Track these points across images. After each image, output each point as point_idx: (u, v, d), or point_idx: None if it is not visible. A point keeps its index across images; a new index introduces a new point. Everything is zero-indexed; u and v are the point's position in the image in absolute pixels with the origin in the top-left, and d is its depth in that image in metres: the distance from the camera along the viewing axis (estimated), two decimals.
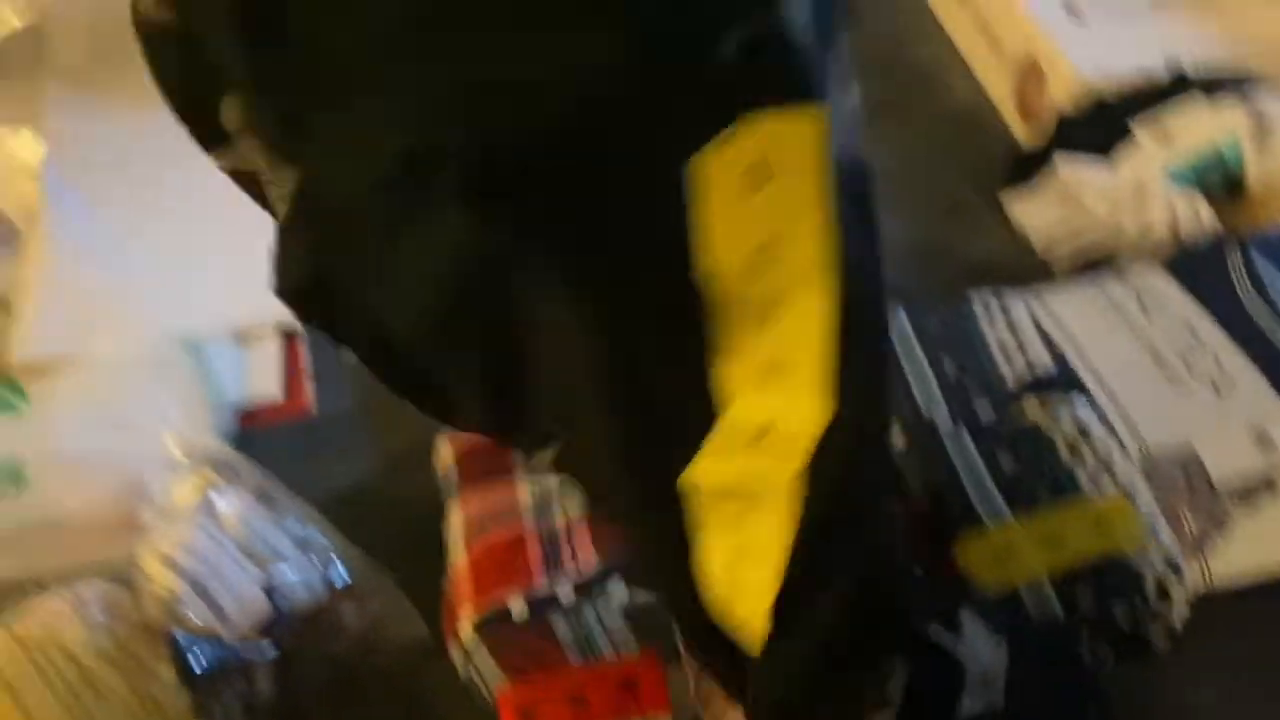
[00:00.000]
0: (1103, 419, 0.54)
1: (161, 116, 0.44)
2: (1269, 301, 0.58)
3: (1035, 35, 0.79)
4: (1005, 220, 0.76)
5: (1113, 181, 0.69)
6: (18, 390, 0.63)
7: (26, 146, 0.79)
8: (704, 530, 0.35)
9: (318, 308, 0.37)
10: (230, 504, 0.48)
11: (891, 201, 0.80)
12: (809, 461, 0.33)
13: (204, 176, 0.71)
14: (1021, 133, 0.83)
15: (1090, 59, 0.76)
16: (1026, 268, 0.73)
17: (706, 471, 0.34)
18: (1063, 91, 0.76)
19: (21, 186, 0.77)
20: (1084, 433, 0.53)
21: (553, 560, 0.50)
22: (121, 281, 0.70)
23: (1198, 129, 0.69)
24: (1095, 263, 0.71)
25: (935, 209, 0.79)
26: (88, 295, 0.68)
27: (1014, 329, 0.61)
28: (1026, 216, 0.74)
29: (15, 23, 0.88)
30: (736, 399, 0.33)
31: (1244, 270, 0.60)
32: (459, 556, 0.51)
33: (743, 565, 0.35)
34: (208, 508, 0.48)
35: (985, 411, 0.56)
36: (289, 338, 0.69)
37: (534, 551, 0.50)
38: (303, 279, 0.35)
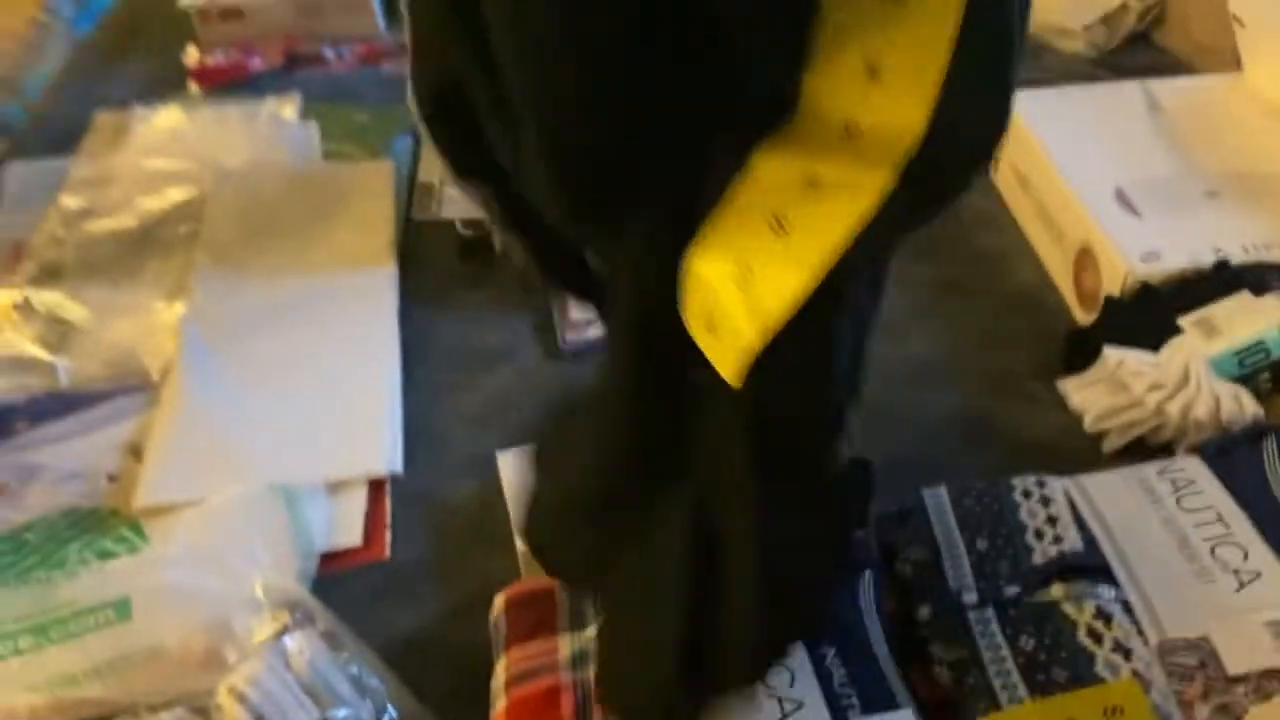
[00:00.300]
0: (1125, 606, 0.55)
1: (288, 291, 0.51)
2: None
3: (1089, 223, 0.83)
4: (1059, 403, 0.78)
5: (1160, 371, 0.71)
6: (139, 531, 0.71)
7: (172, 310, 0.91)
8: (724, 232, 0.37)
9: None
10: (299, 645, 0.54)
11: (951, 377, 0.84)
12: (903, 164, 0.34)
13: (318, 345, 0.81)
14: (1081, 317, 0.86)
15: (1140, 248, 0.79)
16: (1075, 451, 0.75)
17: (774, 163, 0.35)
18: (1113, 280, 0.79)
19: (162, 343, 0.87)
20: (1105, 618, 0.54)
21: (584, 713, 0.53)
22: (238, 435, 0.79)
23: (1243, 320, 0.71)
24: (1142, 444, 0.73)
25: (993, 387, 0.82)
26: (207, 447, 0.76)
27: (1050, 512, 0.63)
28: (1079, 401, 0.76)
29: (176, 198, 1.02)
30: (826, 97, 0.35)
31: (1276, 458, 0.61)
32: (499, 706, 0.55)
33: (767, 272, 0.36)
34: (279, 647, 0.54)
35: (1012, 591, 0.58)
36: (375, 489, 0.76)
37: (568, 704, 0.54)
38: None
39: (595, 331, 0.88)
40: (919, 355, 0.86)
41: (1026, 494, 0.65)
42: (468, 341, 0.90)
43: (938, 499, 0.67)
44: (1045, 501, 0.64)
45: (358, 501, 0.75)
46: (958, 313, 0.90)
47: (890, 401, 0.82)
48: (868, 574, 0.62)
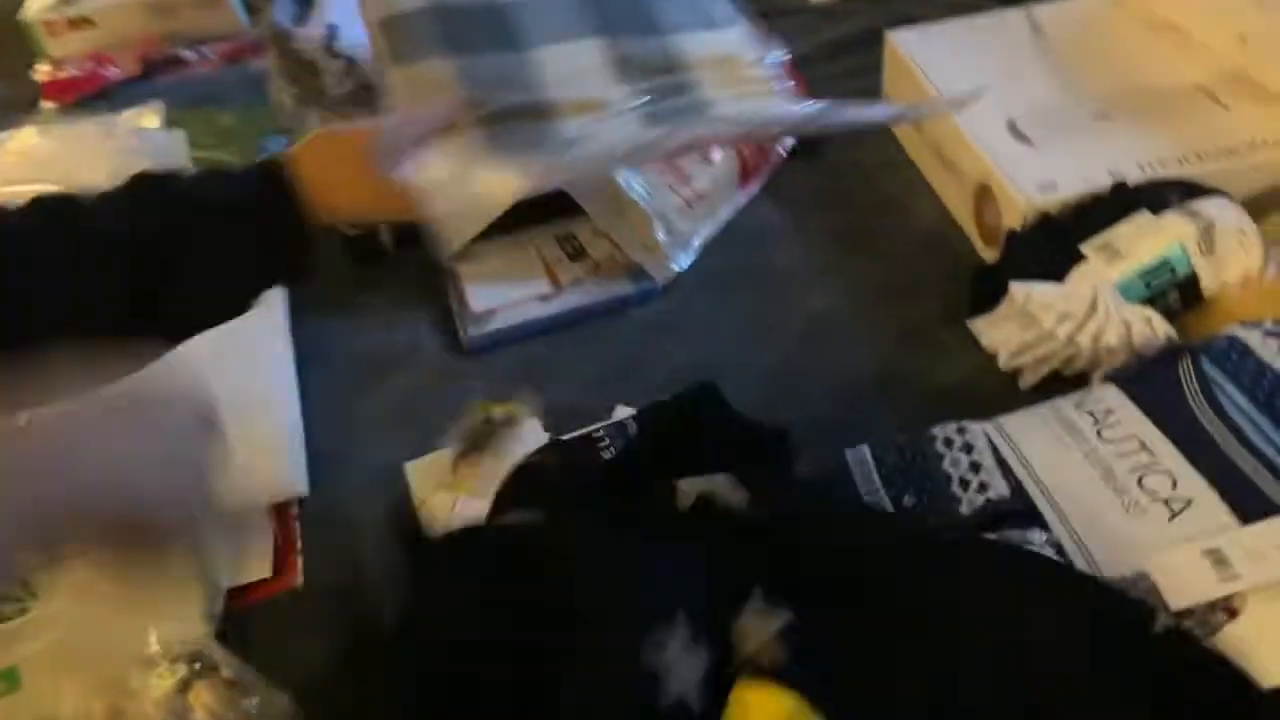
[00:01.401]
0: (1059, 550, 0.54)
1: None
2: (1219, 410, 0.58)
3: (984, 160, 0.82)
4: (972, 345, 0.77)
5: (1067, 301, 0.70)
6: (24, 586, 0.66)
7: None
8: None
9: None
10: (201, 698, 0.50)
11: (860, 331, 0.83)
12: None
13: (204, 364, 0.75)
14: (985, 255, 0.85)
15: (1036, 179, 0.78)
16: (993, 391, 0.74)
17: None
18: (1012, 214, 0.78)
19: None
20: None
21: None
22: None
23: (1145, 242, 0.70)
24: (1058, 377, 0.72)
25: (903, 336, 0.80)
26: None
27: (973, 460, 0.61)
28: (990, 340, 0.75)
29: None
30: None
31: (1194, 380, 0.61)
32: None
33: None
34: (179, 701, 0.50)
35: None
36: (282, 513, 0.72)
37: None
38: None
39: (499, 323, 0.85)
40: (826, 311, 0.84)
41: (948, 442, 0.63)
42: (365, 346, 0.86)
43: (860, 457, 0.65)
44: (967, 449, 0.62)
45: (264, 529, 0.71)
46: (862, 264, 0.88)
47: (801, 361, 0.80)
48: None
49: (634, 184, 0.89)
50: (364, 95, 0.96)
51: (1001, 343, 0.74)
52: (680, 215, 0.90)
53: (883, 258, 0.88)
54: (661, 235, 0.88)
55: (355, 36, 0.91)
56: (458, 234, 0.75)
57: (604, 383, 0.80)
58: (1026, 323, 0.73)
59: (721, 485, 0.54)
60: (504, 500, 0.58)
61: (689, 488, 0.54)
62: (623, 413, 0.73)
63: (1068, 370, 0.72)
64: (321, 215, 0.60)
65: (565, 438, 0.65)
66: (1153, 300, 0.70)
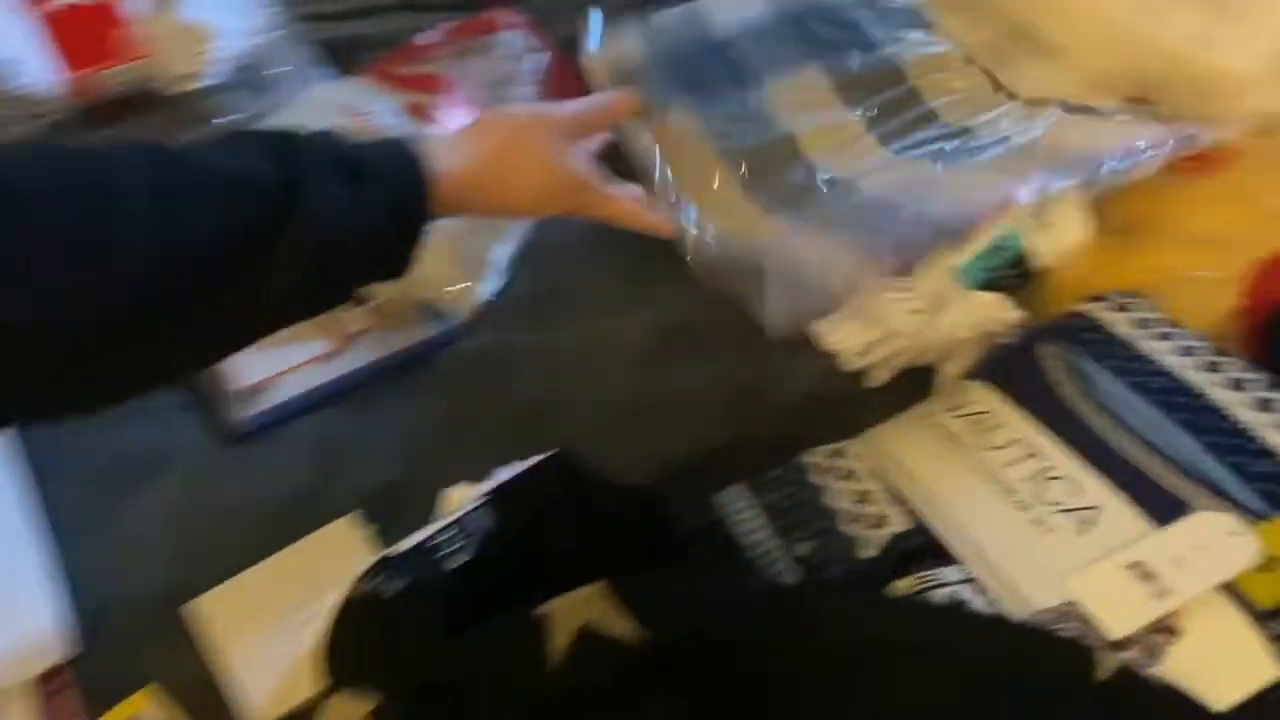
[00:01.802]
0: (978, 589, 0.49)
1: None
2: (1091, 397, 0.56)
3: None
4: (814, 347, 0.72)
5: (914, 295, 0.66)
6: None
7: None
8: None
9: None
10: None
11: (694, 351, 0.76)
12: None
13: None
14: None
15: None
16: (846, 393, 0.70)
17: None
18: None
19: None
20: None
21: None
22: None
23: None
24: (906, 371, 0.69)
25: (742, 346, 0.74)
26: None
27: (858, 488, 0.56)
28: (834, 340, 0.70)
29: None
30: None
31: (1060, 366, 0.58)
32: None
33: None
34: None
35: None
36: (50, 682, 0.57)
37: None
38: None
39: (273, 399, 0.71)
40: (656, 328, 0.76)
41: (824, 470, 0.58)
42: (110, 449, 0.70)
43: (735, 505, 0.58)
44: (848, 475, 0.57)
45: (28, 706, 0.56)
46: (679, 279, 0.81)
47: (639, 390, 0.72)
48: None
49: None
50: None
51: (845, 343, 0.70)
52: (475, 237, 0.80)
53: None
54: (457, 263, 0.77)
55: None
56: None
57: (420, 452, 0.69)
58: (870, 320, 0.68)
59: (597, 605, 0.46)
60: (335, 652, 0.47)
61: (562, 617, 0.45)
62: (461, 494, 0.62)
63: (917, 364, 0.69)
64: (457, 206, 0.56)
65: (396, 551, 0.54)
66: (993, 282, 0.68)
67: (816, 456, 0.59)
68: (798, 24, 0.80)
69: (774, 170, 0.72)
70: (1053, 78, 0.76)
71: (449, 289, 0.77)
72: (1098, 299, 0.62)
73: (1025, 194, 0.63)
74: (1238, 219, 0.63)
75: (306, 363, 0.74)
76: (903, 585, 0.50)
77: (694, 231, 0.70)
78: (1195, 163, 0.66)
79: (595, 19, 0.85)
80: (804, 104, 0.76)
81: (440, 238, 0.76)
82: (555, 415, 0.71)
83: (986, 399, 0.59)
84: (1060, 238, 0.67)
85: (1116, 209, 0.69)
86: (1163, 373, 0.55)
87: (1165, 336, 0.57)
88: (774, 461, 0.61)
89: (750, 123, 0.74)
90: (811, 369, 0.72)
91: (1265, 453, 0.49)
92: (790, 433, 0.67)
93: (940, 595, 0.49)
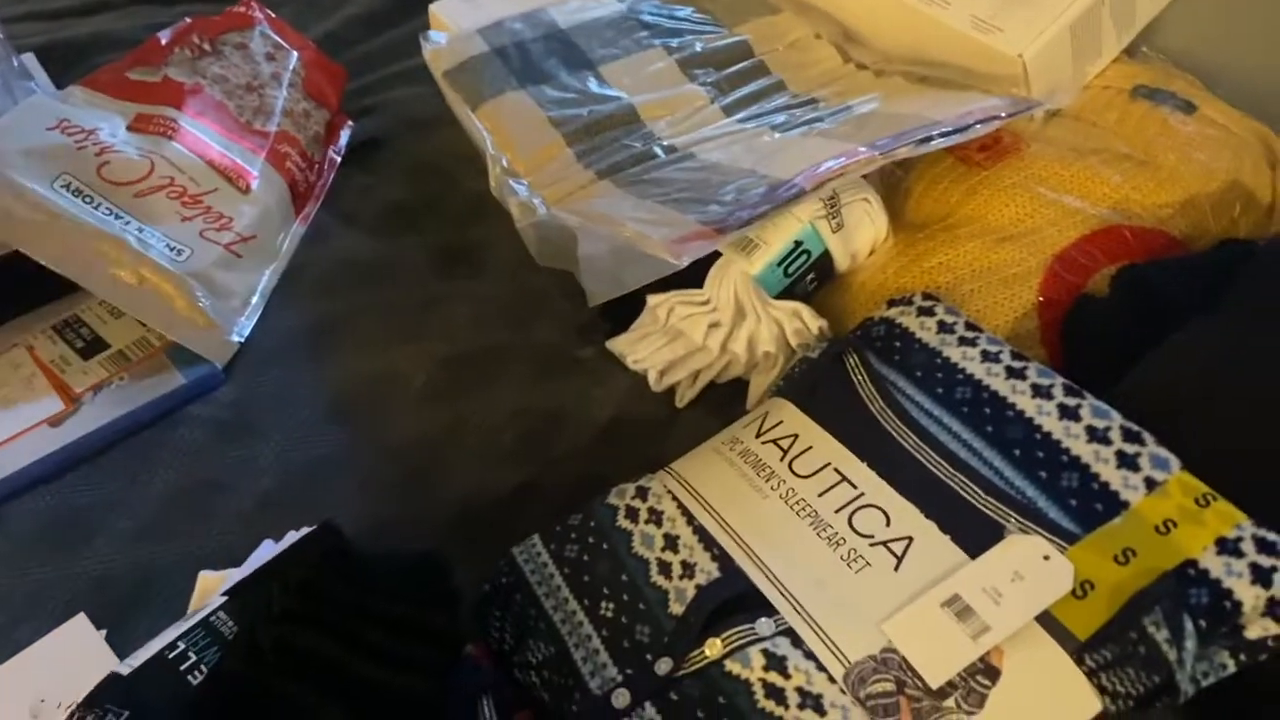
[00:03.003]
0: (794, 638, 0.45)
1: None
2: (902, 414, 0.53)
3: None
4: (617, 363, 0.67)
5: (712, 308, 0.62)
6: None
7: None
8: None
9: None
10: None
11: (489, 370, 0.69)
12: None
13: None
14: None
15: None
16: (652, 415, 0.65)
17: None
18: None
19: None
20: (779, 665, 0.44)
21: None
22: None
23: (775, 228, 0.63)
24: (714, 386, 0.65)
25: (541, 367, 0.68)
26: None
27: (668, 532, 0.51)
28: (636, 359, 0.66)
29: None
30: None
31: (867, 380, 0.55)
32: None
33: None
34: None
35: (664, 667, 0.46)
36: None
37: None
38: None
39: None
40: (442, 356, 0.69)
41: (631, 514, 0.53)
42: None
43: (534, 560, 0.52)
44: (656, 519, 0.52)
45: None
46: (470, 288, 0.74)
47: (426, 428, 0.65)
48: (484, 700, 0.47)
49: (150, 239, 0.67)
50: None
51: (649, 361, 0.65)
52: (226, 269, 0.70)
53: (491, 276, 0.75)
54: (205, 301, 0.68)
55: None
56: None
57: (170, 528, 0.60)
58: (673, 336, 0.64)
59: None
60: None
61: None
62: (214, 581, 0.53)
63: (723, 378, 0.64)
64: None
65: (131, 664, 0.45)
66: (793, 287, 0.64)
67: (621, 498, 0.54)
68: (638, 15, 0.79)
69: (611, 139, 0.69)
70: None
71: (200, 331, 0.67)
72: (899, 302, 0.59)
73: (855, 156, 0.59)
74: (1032, 210, 0.61)
75: (33, 427, 0.64)
76: (712, 647, 0.46)
77: (523, 202, 0.65)
78: (984, 153, 0.65)
79: (440, 12, 0.83)
80: (646, 79, 0.74)
81: (184, 276, 0.67)
82: (328, 470, 0.63)
83: (794, 419, 0.55)
84: (854, 238, 0.64)
85: (911, 203, 0.67)
86: (968, 381, 0.53)
87: (967, 341, 0.55)
88: (581, 499, 0.56)
89: (588, 98, 0.72)
90: (618, 390, 0.67)
91: (1073, 465, 0.47)
92: (595, 467, 0.62)
93: (754, 655, 0.45)
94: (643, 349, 0.65)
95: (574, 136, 0.69)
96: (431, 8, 0.84)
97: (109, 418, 0.65)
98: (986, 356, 0.54)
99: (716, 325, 0.62)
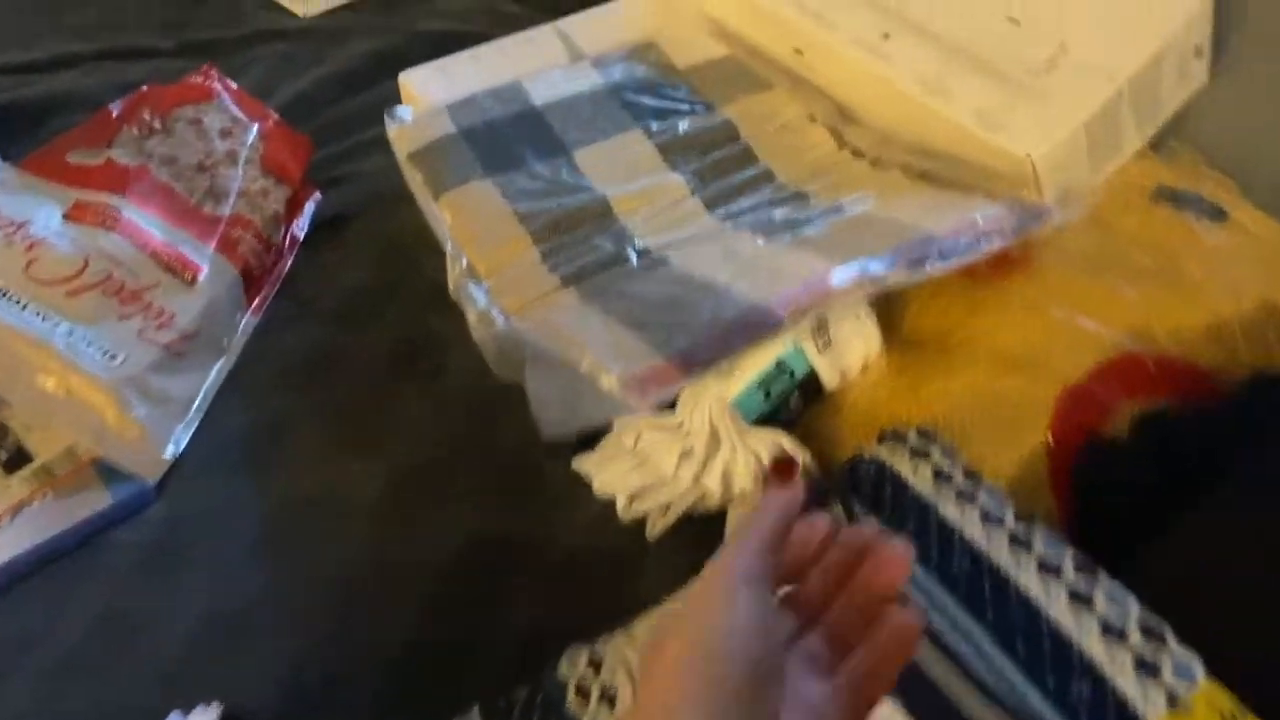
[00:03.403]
0: None
1: None
2: None
3: None
4: (587, 488, 0.61)
5: (684, 435, 0.56)
6: None
7: None
8: None
9: None
10: None
11: (447, 483, 0.64)
12: None
13: None
14: None
15: None
16: (623, 548, 0.59)
17: None
18: None
19: None
20: None
21: None
22: None
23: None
24: (691, 518, 0.59)
25: (504, 481, 0.62)
26: None
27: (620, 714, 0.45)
28: (603, 482, 0.60)
29: None
30: None
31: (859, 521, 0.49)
32: None
33: None
34: None
35: None
36: None
37: None
38: None
39: None
40: (401, 467, 0.63)
41: (583, 692, 0.47)
42: None
43: None
44: (609, 699, 0.46)
45: None
46: (431, 388, 0.68)
47: (376, 552, 0.59)
48: None
49: (81, 343, 0.62)
50: None
51: (616, 486, 0.59)
52: (166, 373, 0.65)
53: (452, 374, 0.69)
54: (139, 411, 0.62)
55: None
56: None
57: (77, 676, 0.54)
58: (642, 460, 0.58)
59: None
60: None
61: None
62: None
63: (698, 511, 0.58)
64: None
65: None
66: (775, 411, 0.58)
67: (574, 669, 0.48)
68: (619, 93, 0.72)
69: (582, 238, 0.63)
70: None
71: (132, 443, 0.62)
72: (891, 438, 0.53)
73: (841, 279, 0.53)
74: (1042, 334, 0.55)
75: None
76: None
77: (481, 312, 0.59)
78: (991, 266, 0.58)
79: (410, 82, 0.77)
80: (622, 166, 0.68)
81: (114, 386, 0.62)
82: (254, 615, 0.57)
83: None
84: (843, 356, 0.58)
85: (909, 315, 0.61)
86: (966, 549, 0.47)
87: (966, 496, 0.48)
88: (534, 650, 0.50)
89: (560, 188, 0.66)
90: (584, 516, 0.61)
91: (1085, 670, 0.41)
92: (553, 610, 0.56)
93: None
94: (609, 472, 0.59)
95: (541, 234, 0.63)
96: (401, 77, 0.79)
97: (30, 544, 0.59)
98: (987, 518, 0.47)
99: (689, 454, 0.56)
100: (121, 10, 1.05)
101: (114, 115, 0.74)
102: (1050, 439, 0.52)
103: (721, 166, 0.67)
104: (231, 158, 0.74)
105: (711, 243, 0.61)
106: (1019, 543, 0.46)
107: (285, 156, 0.78)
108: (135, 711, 0.52)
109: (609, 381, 0.49)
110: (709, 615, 0.32)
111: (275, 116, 0.80)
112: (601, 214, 0.65)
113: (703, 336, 0.51)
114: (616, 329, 0.54)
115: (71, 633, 0.56)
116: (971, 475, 0.50)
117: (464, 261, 0.63)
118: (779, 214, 0.63)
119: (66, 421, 0.61)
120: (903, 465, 0.51)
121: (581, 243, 0.63)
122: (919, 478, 0.50)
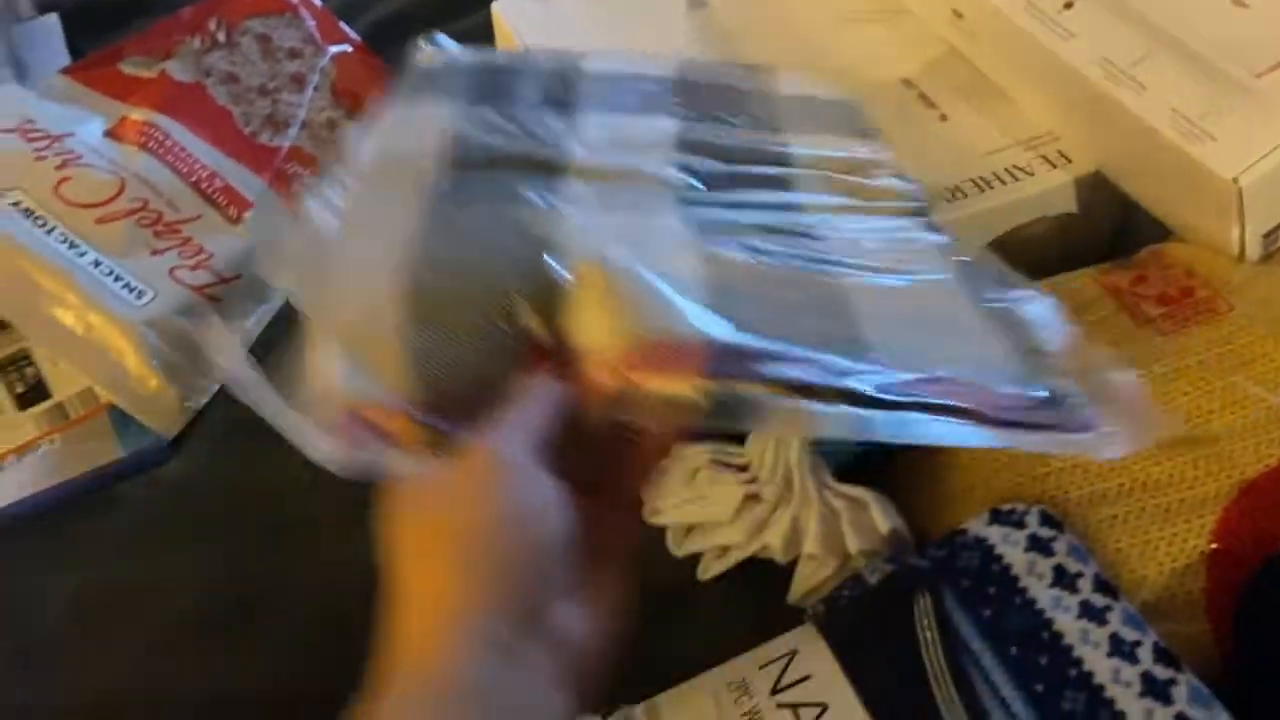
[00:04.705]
0: None
1: None
2: (978, 714, 0.37)
3: None
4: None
5: (750, 475, 0.47)
6: None
7: None
8: None
9: None
10: None
11: None
12: None
13: None
14: None
15: None
16: (672, 580, 0.51)
17: None
18: None
19: None
20: None
21: None
22: None
23: None
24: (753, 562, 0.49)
25: None
26: None
27: None
28: (654, 510, 0.51)
29: None
30: None
31: (936, 641, 0.39)
32: None
33: None
34: None
35: None
36: None
37: None
38: None
39: None
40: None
41: None
42: None
43: None
44: None
45: None
46: None
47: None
48: None
49: (106, 275, 0.56)
50: None
51: (668, 516, 0.50)
52: (193, 319, 0.59)
53: None
54: (163, 356, 0.57)
55: None
56: None
57: (58, 654, 0.50)
58: (698, 494, 0.49)
59: None
60: None
61: None
62: None
63: (762, 557, 0.49)
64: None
65: None
66: (868, 456, 0.48)
67: None
68: (676, 90, 0.54)
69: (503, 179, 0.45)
70: None
71: (149, 394, 0.56)
72: (1005, 517, 0.42)
73: None
74: (1224, 409, 0.43)
75: None
76: None
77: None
78: (1165, 308, 0.46)
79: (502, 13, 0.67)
80: (622, 143, 0.49)
81: (134, 325, 0.56)
82: (271, 594, 0.51)
83: (826, 676, 0.40)
84: None
85: None
86: (1084, 684, 0.36)
87: (1094, 613, 0.38)
88: None
89: (524, 134, 0.48)
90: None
91: None
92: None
93: None
94: (663, 500, 0.50)
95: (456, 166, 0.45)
96: (494, 7, 0.69)
97: (30, 491, 0.55)
98: (1117, 648, 0.37)
99: (753, 499, 0.47)
100: None
101: (181, 21, 0.68)
102: (1215, 544, 0.41)
103: (738, 179, 0.48)
104: (298, 81, 0.67)
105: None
106: (1156, 692, 0.35)
107: (361, 84, 0.71)
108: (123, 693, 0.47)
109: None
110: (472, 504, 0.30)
111: (356, 39, 0.72)
112: (549, 168, 0.46)
113: None
114: None
115: (60, 600, 0.52)
116: (1105, 586, 0.39)
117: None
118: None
119: (81, 362, 0.56)
120: (1015, 557, 0.41)
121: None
122: (1035, 576, 0.40)
